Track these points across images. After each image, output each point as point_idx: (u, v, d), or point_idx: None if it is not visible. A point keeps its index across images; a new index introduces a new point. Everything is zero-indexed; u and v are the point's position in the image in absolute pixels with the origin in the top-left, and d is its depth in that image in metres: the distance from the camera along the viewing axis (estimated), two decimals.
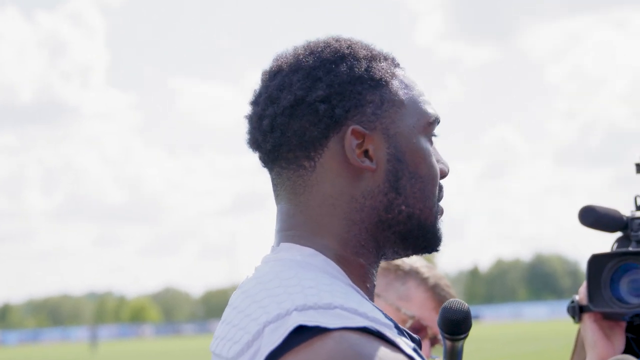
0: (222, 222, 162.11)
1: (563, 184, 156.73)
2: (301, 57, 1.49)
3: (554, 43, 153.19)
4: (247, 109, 1.54)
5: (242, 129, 1.56)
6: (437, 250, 1.53)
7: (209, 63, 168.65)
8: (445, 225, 1.53)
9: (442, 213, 1.52)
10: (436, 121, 1.53)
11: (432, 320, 2.48)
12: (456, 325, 1.67)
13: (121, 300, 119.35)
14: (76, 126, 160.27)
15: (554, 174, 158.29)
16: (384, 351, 1.27)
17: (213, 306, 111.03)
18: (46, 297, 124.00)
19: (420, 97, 1.53)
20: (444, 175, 1.53)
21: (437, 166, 1.51)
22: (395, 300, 2.50)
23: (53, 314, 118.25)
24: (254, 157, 1.55)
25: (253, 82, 1.56)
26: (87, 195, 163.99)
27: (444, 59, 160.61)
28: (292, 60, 1.50)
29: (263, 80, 1.53)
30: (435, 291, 2.52)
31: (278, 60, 1.53)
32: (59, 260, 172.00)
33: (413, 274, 2.53)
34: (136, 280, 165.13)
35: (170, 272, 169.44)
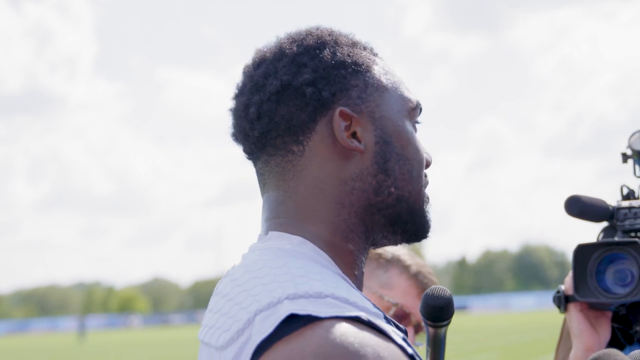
0: (210, 212, 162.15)
1: (551, 176, 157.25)
2: (284, 45, 1.51)
3: (542, 35, 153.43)
4: (230, 103, 1.54)
5: (229, 120, 1.56)
6: (425, 237, 1.54)
7: (196, 54, 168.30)
8: (433, 213, 1.54)
9: (429, 200, 1.53)
10: (418, 107, 1.55)
11: (415, 308, 2.49)
12: (438, 311, 1.68)
13: (109, 291, 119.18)
14: (63, 116, 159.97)
15: (542, 166, 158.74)
16: (375, 340, 1.27)
17: (201, 296, 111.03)
18: (34, 287, 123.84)
19: (401, 84, 1.55)
20: (427, 164, 1.54)
21: (422, 149, 1.52)
22: (377, 288, 2.51)
23: (41, 304, 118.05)
24: (241, 149, 1.54)
25: (240, 73, 1.56)
26: (75, 185, 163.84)
27: (432, 50, 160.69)
28: (275, 49, 1.51)
29: (246, 72, 1.54)
30: (418, 278, 2.53)
31: (261, 51, 1.54)
32: (46, 251, 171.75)
33: (395, 261, 2.55)
34: (124, 270, 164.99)
35: (158, 262, 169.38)
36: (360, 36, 1.58)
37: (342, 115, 1.46)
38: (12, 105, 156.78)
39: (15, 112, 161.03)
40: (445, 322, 1.69)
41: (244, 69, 1.55)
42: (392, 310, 2.48)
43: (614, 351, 1.26)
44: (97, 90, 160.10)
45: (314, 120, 1.46)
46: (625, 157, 2.06)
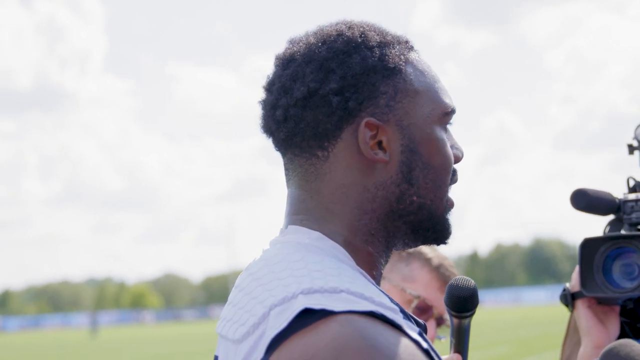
0: (221, 208, 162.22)
1: (562, 169, 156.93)
2: (314, 46, 1.47)
3: (553, 28, 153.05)
4: (260, 94, 1.53)
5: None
6: (445, 243, 1.53)
7: (207, 49, 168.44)
8: (454, 218, 1.52)
9: (452, 206, 1.52)
10: (452, 111, 1.51)
11: (437, 300, 2.50)
12: (463, 302, 1.68)
13: (121, 287, 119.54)
14: (74, 113, 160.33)
15: (554, 159, 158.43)
16: (389, 335, 1.27)
17: (213, 292, 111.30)
18: (46, 283, 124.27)
19: (436, 85, 1.51)
20: (457, 160, 1.52)
21: (451, 155, 1.50)
22: (399, 281, 2.52)
23: (53, 300, 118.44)
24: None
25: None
26: (86, 182, 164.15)
27: (442, 44, 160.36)
28: (305, 50, 1.48)
29: (276, 67, 1.51)
30: (440, 271, 2.54)
31: (291, 47, 1.51)
32: (58, 247, 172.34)
33: (416, 254, 2.55)
34: (136, 266, 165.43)
35: (169, 258, 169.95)
36: (395, 29, 1.53)
37: (368, 125, 1.44)
38: (23, 101, 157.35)
39: (27, 109, 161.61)
40: (469, 313, 1.69)
41: (275, 61, 1.52)
42: (414, 303, 2.49)
43: (630, 341, 1.26)
44: (108, 86, 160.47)
45: (339, 128, 1.44)
46: (631, 149, 2.05)
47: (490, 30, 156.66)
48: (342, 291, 1.30)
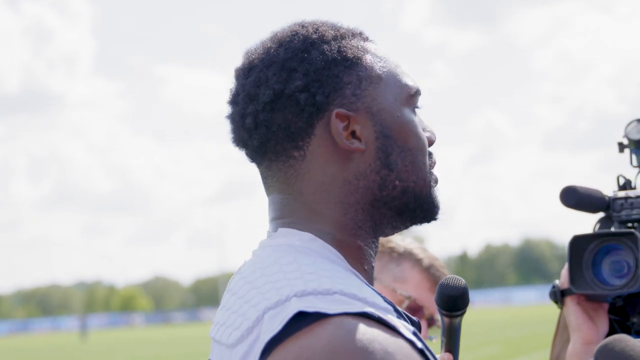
0: (211, 210, 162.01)
1: (551, 169, 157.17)
2: (271, 50, 1.48)
3: (541, 28, 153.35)
4: (227, 109, 1.53)
5: (227, 126, 1.54)
6: (435, 219, 1.53)
7: (195, 51, 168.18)
8: (440, 192, 1.53)
9: (436, 182, 1.52)
10: (417, 92, 1.52)
11: (428, 301, 2.51)
12: (454, 301, 1.68)
13: (111, 290, 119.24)
14: (63, 115, 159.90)
15: (542, 159, 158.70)
16: (383, 336, 1.27)
17: (203, 294, 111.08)
18: (35, 287, 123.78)
19: (397, 69, 1.52)
20: (431, 143, 1.52)
21: (425, 136, 1.50)
22: (390, 281, 2.52)
23: (42, 304, 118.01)
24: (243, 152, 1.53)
25: (233, 77, 1.55)
26: (75, 184, 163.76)
27: (430, 44, 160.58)
28: (263, 55, 1.48)
29: (237, 78, 1.52)
30: (431, 272, 2.55)
31: (248, 56, 1.52)
32: (47, 250, 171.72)
33: (407, 255, 2.56)
34: (126, 269, 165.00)
35: (159, 260, 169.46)
36: (347, 22, 1.55)
37: (339, 116, 1.44)
38: (11, 104, 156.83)
39: (15, 111, 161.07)
40: (460, 312, 1.70)
41: (235, 73, 1.53)
42: (405, 304, 2.49)
43: (624, 336, 1.27)
44: (97, 88, 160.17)
45: (311, 125, 1.44)
46: (621, 147, 2.06)
47: (479, 30, 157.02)
48: (335, 293, 1.30)
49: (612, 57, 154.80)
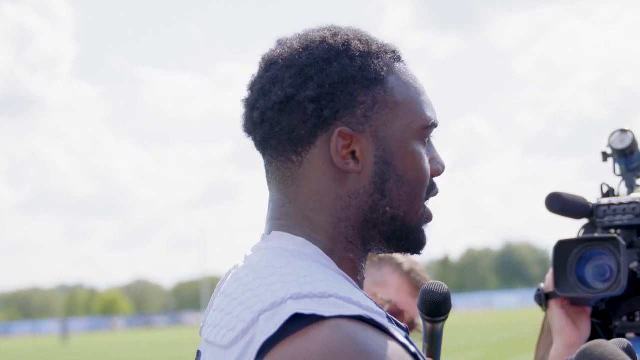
0: (193, 213, 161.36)
1: (532, 174, 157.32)
2: (296, 52, 1.48)
3: (521, 33, 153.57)
4: (244, 93, 1.54)
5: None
6: (419, 254, 1.54)
7: (177, 54, 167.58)
8: (430, 229, 1.53)
9: (430, 218, 1.52)
10: (433, 125, 1.50)
11: (408, 305, 2.53)
12: (436, 306, 1.70)
13: (92, 293, 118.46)
14: (43, 118, 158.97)
15: (523, 164, 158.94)
16: (379, 339, 1.28)
17: (184, 298, 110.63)
18: (16, 290, 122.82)
19: (419, 97, 1.50)
20: (437, 174, 1.53)
21: (428, 169, 1.50)
22: (371, 286, 2.54)
23: (23, 307, 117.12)
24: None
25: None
26: (56, 187, 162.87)
27: (411, 49, 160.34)
28: (287, 54, 1.48)
29: (259, 68, 1.52)
30: (411, 276, 2.56)
31: (276, 49, 1.52)
32: (28, 253, 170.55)
33: (388, 260, 2.58)
34: (107, 272, 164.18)
35: (141, 264, 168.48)
36: (384, 37, 1.53)
37: (342, 135, 1.44)
38: None
39: None
40: (442, 317, 1.72)
41: (260, 61, 1.53)
42: (386, 308, 2.51)
43: (603, 341, 1.29)
44: (78, 91, 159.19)
45: (314, 135, 1.45)
46: (605, 156, 2.10)
47: (460, 35, 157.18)
48: (330, 296, 1.31)
49: (592, 63, 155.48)
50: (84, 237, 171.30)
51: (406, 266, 2.58)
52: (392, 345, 1.29)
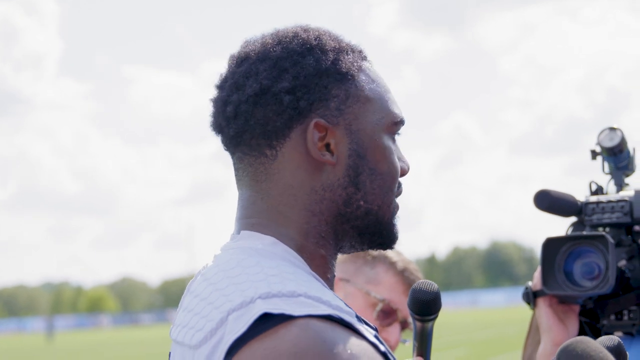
0: (179, 211, 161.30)
1: (519, 173, 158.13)
2: (269, 46, 1.49)
3: (509, 33, 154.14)
4: (213, 92, 1.54)
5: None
6: (391, 248, 1.55)
7: (164, 52, 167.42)
8: (400, 221, 1.55)
9: (398, 209, 1.54)
10: (401, 122, 1.54)
11: (401, 303, 2.53)
12: (426, 305, 1.70)
13: (78, 291, 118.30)
14: (30, 116, 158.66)
15: (510, 163, 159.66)
16: (348, 338, 1.28)
17: (171, 295, 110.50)
18: (1, 288, 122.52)
19: (387, 95, 1.53)
20: (404, 173, 1.55)
21: (398, 164, 1.52)
22: (364, 284, 2.54)
23: (8, 304, 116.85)
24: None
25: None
26: (42, 185, 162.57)
27: (398, 49, 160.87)
28: (260, 49, 1.50)
29: (230, 66, 1.53)
30: (404, 275, 2.56)
31: (246, 46, 1.53)
32: (13, 251, 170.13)
33: (382, 258, 2.58)
34: (93, 270, 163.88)
35: (127, 262, 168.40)
36: (351, 33, 1.56)
37: (317, 126, 1.46)
38: None
39: None
40: (432, 316, 1.71)
41: (229, 60, 1.54)
42: (379, 306, 2.51)
43: (586, 338, 1.29)
44: (64, 89, 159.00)
45: (289, 127, 1.46)
46: (594, 154, 2.10)
47: (447, 35, 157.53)
48: (300, 295, 1.31)
49: (579, 63, 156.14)
50: (71, 235, 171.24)
51: (400, 265, 2.58)
52: (361, 344, 1.29)
